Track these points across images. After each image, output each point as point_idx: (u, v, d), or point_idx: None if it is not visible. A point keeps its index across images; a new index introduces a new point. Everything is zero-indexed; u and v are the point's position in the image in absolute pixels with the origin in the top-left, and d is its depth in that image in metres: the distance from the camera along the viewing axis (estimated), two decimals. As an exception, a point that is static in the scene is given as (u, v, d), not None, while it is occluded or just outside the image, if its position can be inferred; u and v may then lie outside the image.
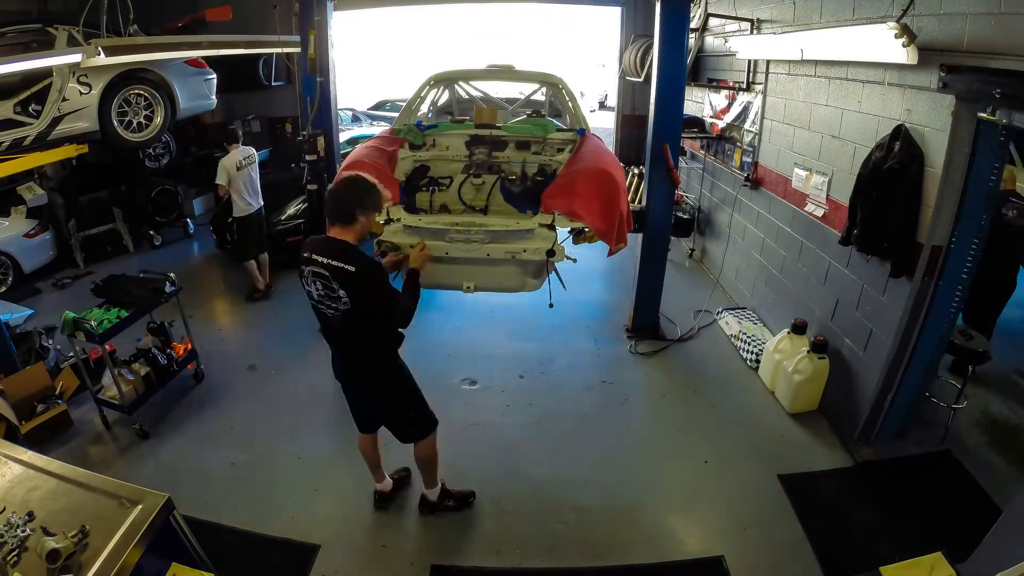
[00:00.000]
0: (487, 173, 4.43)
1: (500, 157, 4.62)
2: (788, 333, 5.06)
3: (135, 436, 4.64)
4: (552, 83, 6.03)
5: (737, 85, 6.85)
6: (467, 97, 6.83)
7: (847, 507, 3.99)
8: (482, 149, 4.57)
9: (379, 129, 12.61)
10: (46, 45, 6.13)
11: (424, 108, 5.90)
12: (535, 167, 4.55)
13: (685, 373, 5.63)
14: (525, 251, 3.80)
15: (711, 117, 7.72)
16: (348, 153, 8.85)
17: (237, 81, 10.03)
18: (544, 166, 4.59)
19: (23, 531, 2.18)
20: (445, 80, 6.10)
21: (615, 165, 4.41)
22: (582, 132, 4.91)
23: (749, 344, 5.68)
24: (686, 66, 5.93)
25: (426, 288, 3.84)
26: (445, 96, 6.78)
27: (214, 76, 8.31)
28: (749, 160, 6.48)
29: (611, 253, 4.06)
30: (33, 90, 6.15)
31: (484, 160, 4.49)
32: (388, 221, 3.92)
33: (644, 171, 6.15)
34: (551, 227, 3.83)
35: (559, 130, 4.98)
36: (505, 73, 6.05)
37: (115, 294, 4.83)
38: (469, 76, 6.46)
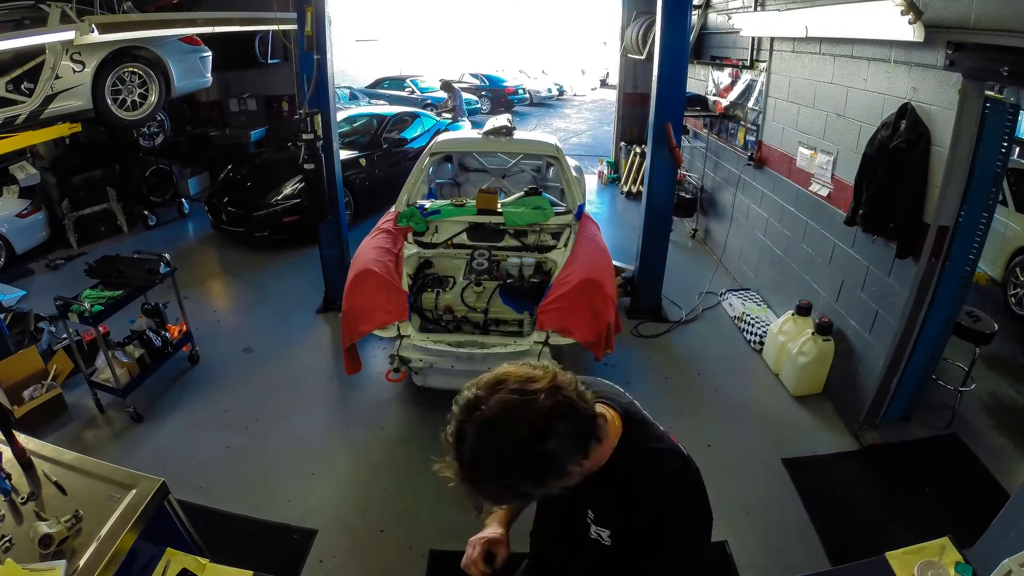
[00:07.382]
0: (487, 280, 4.82)
1: (499, 256, 4.98)
2: (792, 315, 5.02)
3: (129, 419, 4.59)
4: (550, 156, 6.25)
5: (741, 63, 6.75)
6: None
7: (852, 491, 3.96)
8: (482, 251, 4.97)
9: (377, 108, 12.52)
10: (39, 22, 6.00)
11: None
12: (531, 268, 4.86)
13: (688, 355, 5.59)
14: None
15: (714, 95, 7.62)
16: (347, 132, 8.76)
17: (233, 59, 9.93)
18: (540, 263, 4.91)
19: (14, 516, 2.15)
20: (444, 151, 6.37)
21: (605, 265, 4.64)
22: (580, 212, 5.30)
23: (753, 326, 5.64)
24: (689, 44, 5.84)
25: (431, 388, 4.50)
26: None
27: (209, 54, 8.22)
28: (753, 139, 6.40)
29: (598, 359, 4.40)
30: (26, 68, 6.06)
31: (484, 266, 4.85)
32: (399, 337, 4.22)
33: (646, 150, 6.10)
34: (546, 343, 4.14)
35: (556, 212, 5.24)
36: (503, 144, 6.31)
37: (109, 275, 4.76)
38: (468, 147, 6.80)
